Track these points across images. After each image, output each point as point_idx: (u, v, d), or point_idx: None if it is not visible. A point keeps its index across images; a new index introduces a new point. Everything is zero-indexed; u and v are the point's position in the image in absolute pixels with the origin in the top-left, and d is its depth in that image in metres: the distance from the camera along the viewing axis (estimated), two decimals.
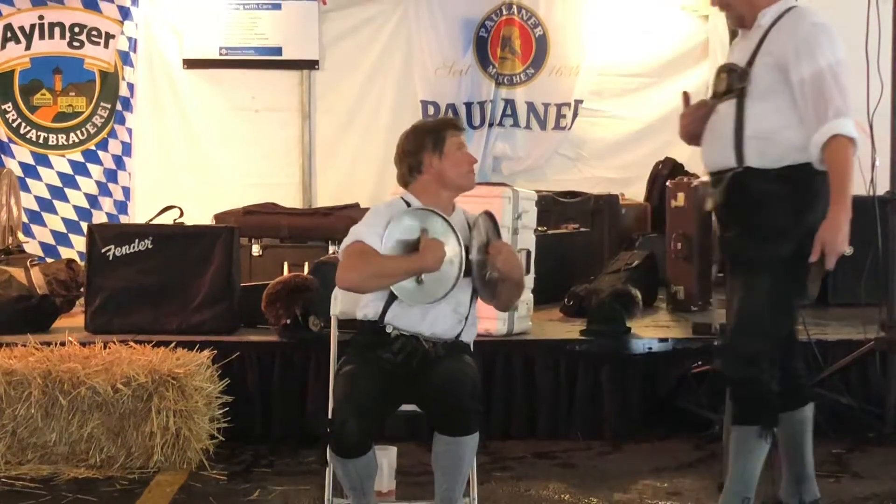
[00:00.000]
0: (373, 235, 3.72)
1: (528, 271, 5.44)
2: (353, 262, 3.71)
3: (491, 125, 8.20)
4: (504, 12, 8.23)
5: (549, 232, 6.94)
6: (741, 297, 3.77)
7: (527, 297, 5.51)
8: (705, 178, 6.75)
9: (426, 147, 3.83)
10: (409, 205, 3.84)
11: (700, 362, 5.23)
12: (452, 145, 3.83)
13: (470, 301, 3.82)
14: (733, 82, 3.77)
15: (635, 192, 8.07)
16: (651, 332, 5.63)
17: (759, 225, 3.71)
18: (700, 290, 6.33)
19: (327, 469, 3.73)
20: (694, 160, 8.00)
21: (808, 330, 5.13)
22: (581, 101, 8.23)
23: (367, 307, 3.80)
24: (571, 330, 5.66)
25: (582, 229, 7.22)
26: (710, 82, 4.02)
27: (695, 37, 8.30)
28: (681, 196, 6.35)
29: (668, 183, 6.68)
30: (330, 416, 3.56)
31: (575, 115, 8.25)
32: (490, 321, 5.18)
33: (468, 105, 8.20)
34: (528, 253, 5.43)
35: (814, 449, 3.96)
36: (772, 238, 3.68)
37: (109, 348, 5.03)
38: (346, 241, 3.77)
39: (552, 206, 7.37)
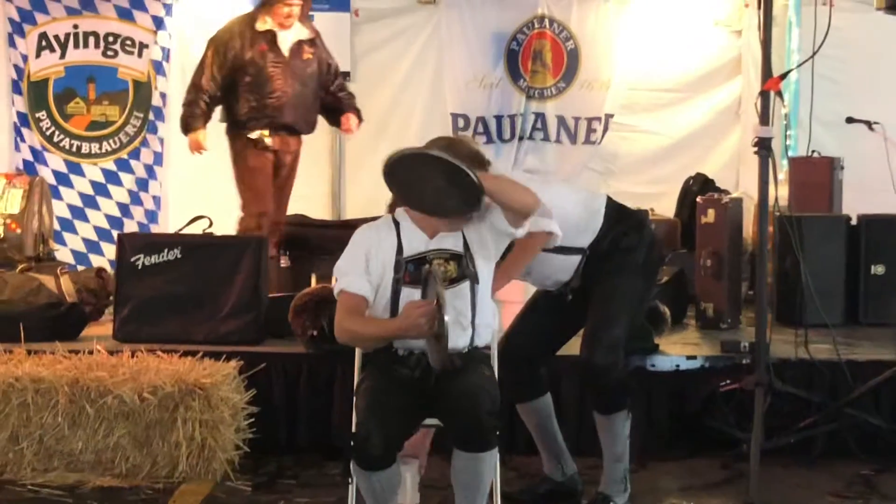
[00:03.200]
0: (352, 278, 3.75)
1: None
2: (343, 320, 3.76)
3: (521, 139, 8.18)
4: (536, 25, 8.21)
5: None
6: (608, 296, 4.32)
7: None
8: (736, 194, 6.74)
9: None
10: (396, 223, 3.82)
11: (728, 381, 5.18)
12: None
13: (471, 306, 3.77)
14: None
15: (665, 207, 8.01)
16: (679, 350, 5.58)
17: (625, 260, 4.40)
18: (730, 307, 6.27)
19: (350, 482, 3.71)
20: (724, 176, 8.01)
21: (839, 350, 5.12)
22: (612, 116, 8.21)
23: None
24: None
25: None
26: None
27: (727, 52, 8.25)
28: (711, 212, 6.30)
29: (698, 199, 6.63)
30: (353, 430, 3.56)
31: (605, 129, 8.22)
32: None
33: (498, 118, 8.19)
34: None
35: (841, 469, 3.93)
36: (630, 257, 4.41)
37: (137, 357, 5.05)
38: (334, 285, 3.84)
39: None
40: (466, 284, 3.75)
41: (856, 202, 6.74)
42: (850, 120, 7.10)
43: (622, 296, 4.31)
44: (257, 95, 6.31)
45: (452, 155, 3.62)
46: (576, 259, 4.32)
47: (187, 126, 6.41)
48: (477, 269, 3.78)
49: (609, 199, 4.45)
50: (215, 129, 7.95)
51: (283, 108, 6.36)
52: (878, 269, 6.40)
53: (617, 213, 4.42)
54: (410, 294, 3.72)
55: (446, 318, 3.47)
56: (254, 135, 6.37)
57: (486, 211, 3.76)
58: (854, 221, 6.57)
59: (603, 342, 4.24)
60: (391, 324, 3.69)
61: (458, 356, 3.70)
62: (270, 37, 6.32)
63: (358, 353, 4.01)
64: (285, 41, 6.36)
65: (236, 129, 6.42)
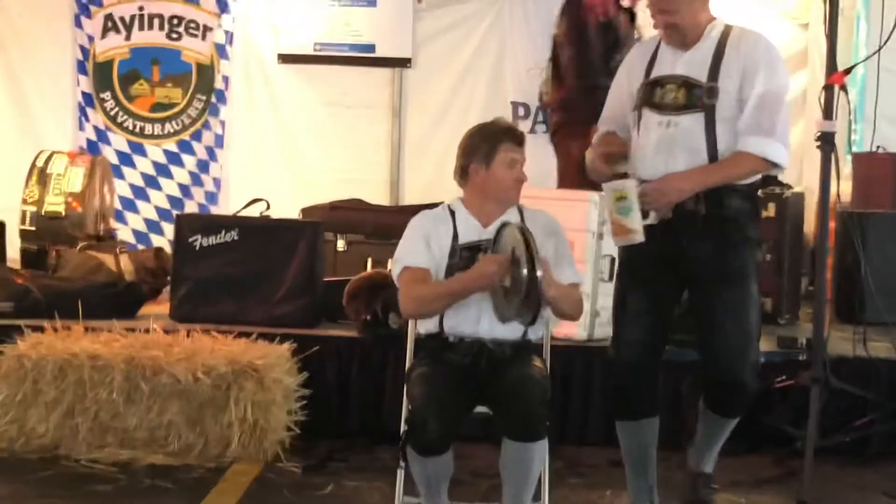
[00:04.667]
0: (414, 255, 3.76)
1: (611, 277, 5.39)
2: (408, 292, 3.74)
3: None
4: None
5: None
6: (740, 306, 3.83)
7: (608, 303, 5.43)
8: (798, 188, 6.65)
9: (477, 154, 3.82)
10: (452, 212, 3.84)
11: (784, 377, 5.11)
12: (503, 160, 3.79)
13: None
14: (700, 97, 3.81)
15: None
16: None
17: (741, 238, 3.86)
18: (788, 302, 6.20)
19: (401, 466, 3.72)
20: (787, 170, 7.88)
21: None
22: None
23: (426, 322, 3.82)
24: None
25: None
26: (636, 92, 3.96)
27: (794, 45, 8.11)
28: (771, 206, 6.22)
29: (759, 192, 6.54)
30: (409, 415, 3.56)
31: None
32: (570, 326, 5.12)
33: None
34: (613, 259, 5.37)
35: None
36: (751, 248, 3.92)
37: (192, 337, 5.10)
38: (393, 270, 3.83)
39: None
40: None
41: None
42: None
43: (755, 302, 3.89)
44: None
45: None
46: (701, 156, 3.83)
47: None
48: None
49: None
50: (268, 117, 8.04)
51: None
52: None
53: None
54: None
55: (524, 271, 3.48)
56: None
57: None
58: None
59: (750, 360, 3.87)
60: (461, 277, 3.69)
61: (510, 346, 3.71)
62: None
63: (410, 338, 4.02)
64: None
65: None
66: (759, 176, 3.91)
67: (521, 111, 8.03)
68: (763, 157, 3.75)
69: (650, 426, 4.06)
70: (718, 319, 3.82)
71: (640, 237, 3.73)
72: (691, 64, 3.85)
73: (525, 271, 3.48)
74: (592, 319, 5.29)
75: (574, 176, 6.10)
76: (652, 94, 3.89)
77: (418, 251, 3.77)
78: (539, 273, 3.46)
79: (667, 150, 3.83)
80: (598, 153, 3.99)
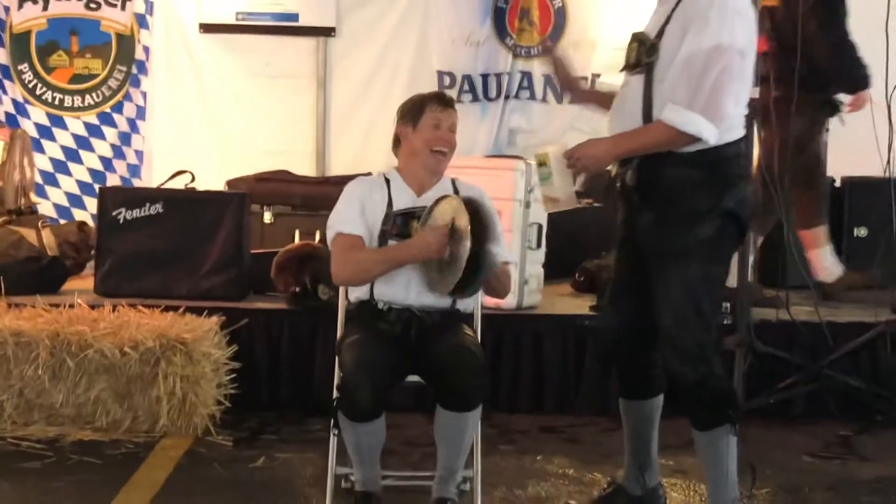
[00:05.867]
0: (349, 222, 3.75)
1: (538, 245, 5.43)
2: (344, 258, 3.74)
3: (507, 97, 8.12)
4: None
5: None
6: (674, 287, 3.45)
7: (537, 271, 5.49)
8: None
9: (406, 117, 3.84)
10: (387, 180, 3.85)
11: None
12: (428, 121, 3.79)
13: None
14: (642, 55, 3.53)
15: None
16: None
17: (677, 211, 3.48)
18: None
19: (334, 435, 3.72)
20: None
21: (820, 311, 5.14)
22: (598, 75, 8.13)
23: (356, 289, 3.84)
24: (581, 305, 5.64)
25: (595, 205, 7.17)
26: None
27: None
28: None
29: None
30: (340, 382, 3.55)
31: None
32: None
33: (484, 77, 8.12)
34: (540, 227, 5.42)
35: (820, 430, 3.94)
36: (692, 223, 3.45)
37: (118, 312, 5.04)
38: (328, 233, 3.81)
39: None
40: None
41: (840, 165, 6.72)
42: None
43: (694, 283, 3.47)
44: None
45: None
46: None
47: None
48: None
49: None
50: (191, 88, 7.94)
51: None
52: (861, 232, 6.41)
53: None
54: None
55: (466, 244, 3.46)
56: None
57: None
58: (838, 184, 6.58)
59: (680, 347, 3.47)
60: (401, 245, 3.70)
61: (439, 314, 3.75)
62: None
63: (341, 307, 4.01)
64: None
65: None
66: (710, 143, 3.42)
67: (447, 80, 8.02)
68: (676, 127, 3.39)
69: (654, 405, 3.80)
70: (654, 300, 3.52)
71: (558, 205, 3.67)
72: (655, 18, 3.62)
73: (468, 244, 3.47)
74: (521, 287, 5.32)
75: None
76: (626, 54, 3.67)
77: (353, 219, 3.76)
78: (494, 249, 3.48)
79: (616, 112, 3.66)
80: None
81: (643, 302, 3.56)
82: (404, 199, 3.82)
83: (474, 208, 3.54)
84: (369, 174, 4.02)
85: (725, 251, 3.62)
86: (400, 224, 3.77)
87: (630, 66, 3.60)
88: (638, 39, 3.59)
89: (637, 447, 3.85)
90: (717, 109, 3.38)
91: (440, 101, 3.86)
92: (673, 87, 3.43)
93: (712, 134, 3.38)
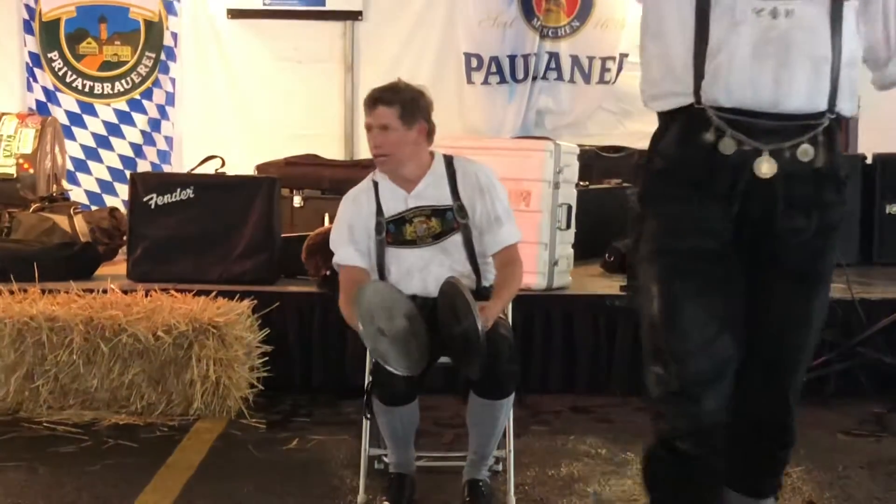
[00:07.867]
0: (342, 249, 3.76)
1: (568, 226, 5.42)
2: (342, 294, 3.71)
3: (535, 78, 8.10)
4: None
5: (591, 187, 6.88)
6: (815, 321, 2.68)
7: (567, 252, 5.48)
8: None
9: None
10: (375, 184, 3.77)
11: None
12: (366, 125, 3.76)
13: (467, 256, 3.73)
14: None
15: None
16: None
17: (840, 215, 2.58)
18: None
19: (367, 419, 3.73)
20: None
21: (853, 289, 5.11)
22: (626, 55, 8.10)
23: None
24: (611, 285, 5.62)
25: (625, 185, 7.15)
26: None
27: None
28: None
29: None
30: (372, 367, 3.56)
31: (620, 69, 8.12)
32: (530, 276, 5.14)
33: (511, 58, 8.11)
34: (569, 207, 5.41)
35: (854, 408, 3.90)
36: (838, 231, 2.60)
37: (151, 296, 5.07)
38: (333, 249, 3.81)
39: (595, 161, 7.30)
40: (457, 235, 3.72)
41: (871, 141, 6.69)
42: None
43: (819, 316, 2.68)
44: None
45: None
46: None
47: None
48: (470, 214, 3.72)
49: None
50: (219, 74, 7.96)
51: None
52: (893, 209, 6.37)
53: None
54: (396, 254, 3.73)
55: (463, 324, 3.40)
56: None
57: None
58: (869, 160, 6.53)
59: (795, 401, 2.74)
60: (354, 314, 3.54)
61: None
62: None
63: None
64: None
65: None
66: None
67: (475, 62, 8.01)
68: None
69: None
70: (775, 334, 2.70)
71: None
72: None
73: (463, 325, 3.41)
74: (551, 268, 5.32)
75: None
76: None
77: (344, 244, 3.75)
78: (479, 324, 3.33)
79: (777, 56, 2.44)
80: None
81: (743, 344, 2.60)
82: (395, 201, 3.74)
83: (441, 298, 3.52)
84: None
85: None
86: (393, 231, 3.73)
87: None
88: None
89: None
90: None
91: (367, 102, 3.76)
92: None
93: None
